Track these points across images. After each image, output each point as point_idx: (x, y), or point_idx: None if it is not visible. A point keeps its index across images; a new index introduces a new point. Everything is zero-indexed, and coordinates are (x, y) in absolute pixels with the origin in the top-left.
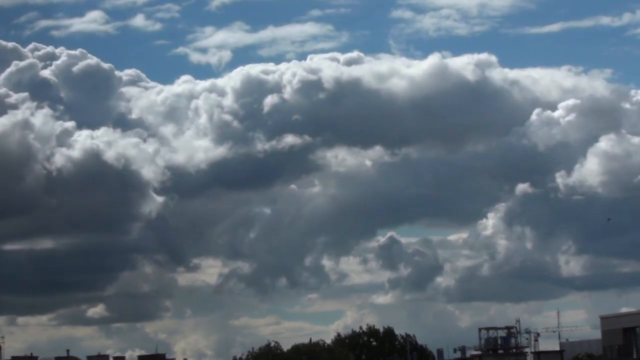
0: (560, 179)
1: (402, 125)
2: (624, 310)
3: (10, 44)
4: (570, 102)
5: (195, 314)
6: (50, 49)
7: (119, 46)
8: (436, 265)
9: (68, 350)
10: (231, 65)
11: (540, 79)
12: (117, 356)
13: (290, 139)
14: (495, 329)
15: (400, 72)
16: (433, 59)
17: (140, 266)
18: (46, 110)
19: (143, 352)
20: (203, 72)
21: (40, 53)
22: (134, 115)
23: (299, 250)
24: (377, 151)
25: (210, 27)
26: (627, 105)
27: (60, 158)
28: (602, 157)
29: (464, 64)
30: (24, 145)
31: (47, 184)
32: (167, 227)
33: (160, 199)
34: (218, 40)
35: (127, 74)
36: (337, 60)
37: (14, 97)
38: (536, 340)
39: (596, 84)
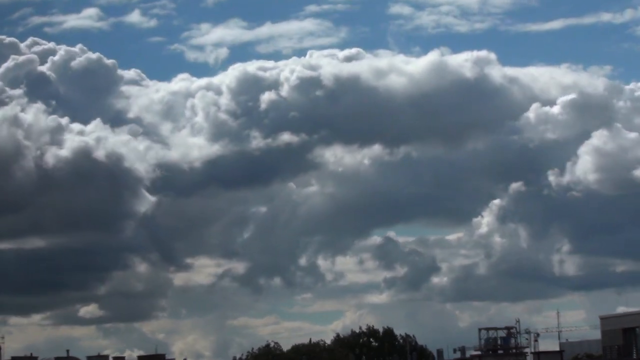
0: (556, 176)
1: (400, 123)
2: (620, 309)
3: (8, 39)
4: (565, 98)
5: (192, 314)
6: (51, 44)
7: (114, 43)
8: (434, 264)
9: (68, 351)
10: (228, 63)
11: (539, 77)
12: (117, 356)
13: (287, 137)
14: (495, 329)
15: (398, 70)
16: (431, 57)
17: (135, 266)
18: (39, 106)
19: (141, 353)
20: (199, 69)
21: (38, 48)
22: (129, 113)
23: (295, 249)
24: (375, 149)
25: (207, 24)
26: (621, 102)
27: (53, 155)
28: (594, 154)
29: (462, 62)
30: (15, 142)
31: (39, 181)
32: (162, 226)
33: (156, 198)
34: (215, 37)
35: (124, 71)
36: (336, 57)
37: (8, 93)
38: (536, 340)
39: (594, 81)
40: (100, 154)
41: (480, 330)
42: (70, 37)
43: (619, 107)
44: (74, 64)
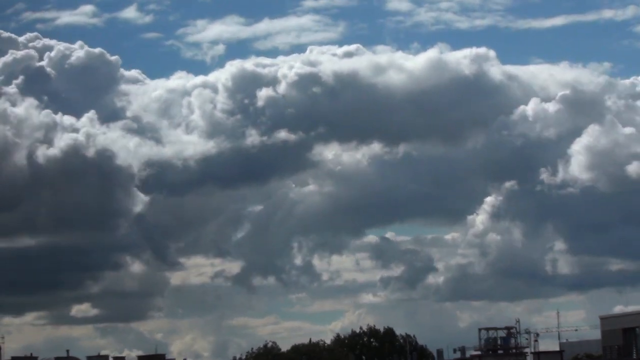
0: (553, 174)
1: (399, 120)
2: (618, 308)
3: (5, 34)
4: (559, 95)
5: (190, 313)
6: (53, 41)
7: (108, 39)
8: (432, 263)
9: (68, 351)
10: (225, 60)
11: (538, 74)
12: (117, 356)
13: (285, 135)
14: (495, 329)
15: (397, 67)
16: (429, 54)
17: (131, 265)
18: (32, 101)
19: (139, 353)
20: (196, 66)
21: (36, 44)
22: (123, 110)
23: (292, 248)
24: (373, 147)
25: (204, 20)
26: (615, 98)
27: (46, 153)
28: (591, 151)
29: (461, 59)
30: (5, 138)
31: (32, 178)
32: (158, 225)
33: (152, 196)
34: (211, 33)
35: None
36: (334, 54)
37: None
38: (536, 340)
39: (591, 78)
40: (95, 151)
41: (480, 330)
42: (64, 33)
43: (613, 103)
44: (71, 60)
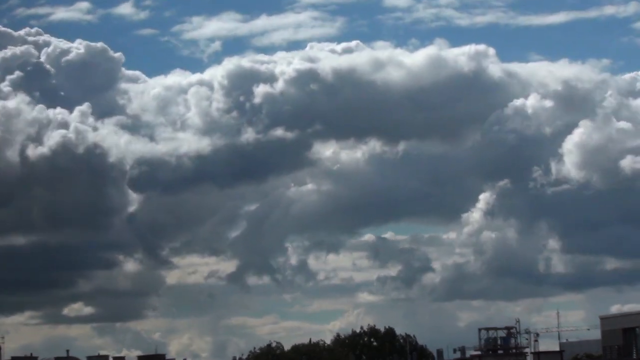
0: (552, 172)
1: (396, 118)
2: (615, 308)
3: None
4: (551, 91)
5: (188, 313)
6: (46, 36)
7: (104, 36)
8: (429, 263)
9: (68, 351)
10: (222, 56)
11: (537, 71)
12: (117, 356)
13: (282, 132)
14: (495, 329)
15: (395, 63)
16: (428, 51)
17: (128, 264)
18: (24, 97)
19: (138, 353)
20: (193, 63)
21: (34, 39)
22: (119, 107)
23: (289, 248)
24: (371, 145)
25: (200, 17)
26: (612, 94)
27: (40, 149)
28: (583, 148)
29: (460, 56)
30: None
31: (28, 174)
32: (154, 223)
33: (149, 194)
34: (208, 30)
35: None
36: (332, 51)
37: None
38: (536, 340)
39: (589, 75)
40: (88, 149)
41: (480, 330)
42: (59, 29)
43: (609, 99)
44: (69, 55)
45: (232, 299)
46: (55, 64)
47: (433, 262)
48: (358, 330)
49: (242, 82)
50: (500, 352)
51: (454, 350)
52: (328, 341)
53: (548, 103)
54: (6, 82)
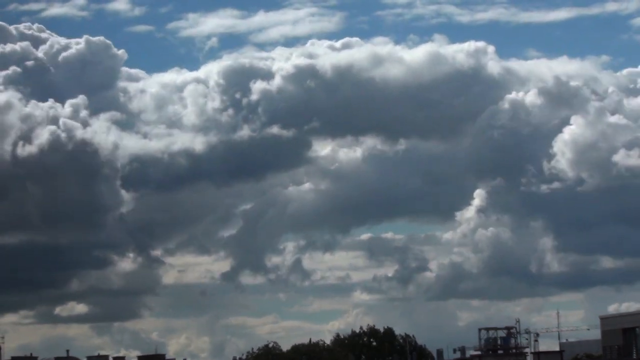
0: (550, 171)
1: (395, 116)
2: (612, 308)
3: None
4: (542, 87)
5: (186, 313)
6: (45, 33)
7: (98, 32)
8: (426, 262)
9: (68, 351)
10: (219, 53)
11: (535, 68)
12: (117, 356)
13: (279, 130)
14: (495, 329)
15: (394, 60)
16: (427, 47)
17: (125, 263)
18: (15, 93)
19: (137, 352)
20: (189, 59)
21: (28, 34)
22: (115, 104)
23: (286, 246)
24: (368, 143)
25: (197, 13)
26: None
27: (33, 146)
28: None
29: (459, 53)
30: None
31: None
32: (151, 222)
33: (146, 192)
34: (205, 26)
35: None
36: (330, 47)
37: None
38: (536, 340)
39: (590, 71)
40: (80, 146)
41: (480, 330)
42: (52, 25)
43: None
44: (68, 51)
45: (229, 298)
46: (54, 60)
47: (430, 262)
48: (357, 330)
49: (239, 79)
50: (500, 352)
51: (454, 350)
52: (327, 341)
53: (544, 99)
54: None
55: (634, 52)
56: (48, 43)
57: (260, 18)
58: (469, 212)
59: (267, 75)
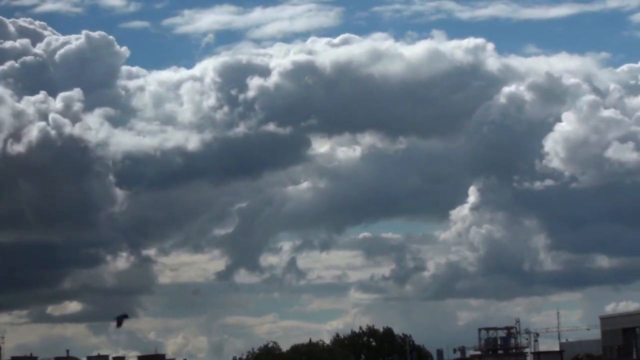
0: (550, 170)
1: (392, 113)
2: (610, 307)
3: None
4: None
5: (185, 313)
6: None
7: (93, 28)
8: (424, 262)
9: (68, 351)
10: (215, 50)
11: (534, 65)
12: (117, 356)
13: (277, 127)
14: (495, 329)
15: (392, 57)
16: (425, 44)
17: (121, 262)
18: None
19: (135, 352)
20: (185, 56)
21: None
22: (111, 101)
23: (283, 245)
24: (367, 140)
25: (193, 9)
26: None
27: (24, 143)
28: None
29: (457, 50)
30: None
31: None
32: (148, 220)
33: (142, 190)
34: (202, 22)
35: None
36: (328, 44)
37: None
38: (536, 340)
39: (589, 68)
40: (72, 143)
41: (480, 330)
42: (45, 21)
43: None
44: (67, 47)
45: (226, 298)
46: (52, 56)
47: (428, 261)
48: (356, 330)
49: (235, 76)
50: (500, 352)
51: (454, 350)
52: (326, 340)
53: (538, 96)
54: None
55: (634, 49)
56: (46, 40)
57: (258, 14)
58: (465, 210)
59: (264, 72)
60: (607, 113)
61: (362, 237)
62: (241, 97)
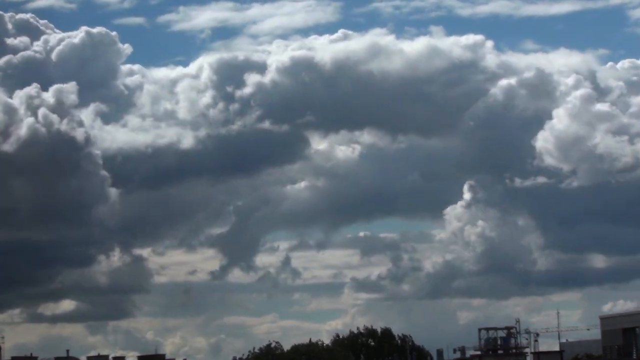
0: (550, 170)
1: (391, 110)
2: (607, 307)
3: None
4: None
5: (184, 312)
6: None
7: (88, 24)
8: (422, 262)
9: (68, 351)
10: (213, 46)
11: (533, 62)
12: (117, 356)
13: (273, 124)
14: (495, 329)
15: (390, 54)
16: (423, 41)
17: (118, 261)
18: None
19: (134, 352)
20: (183, 53)
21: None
22: (108, 99)
23: (280, 244)
24: (366, 138)
25: (190, 5)
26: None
27: (22, 140)
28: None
29: (455, 47)
30: None
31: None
32: (144, 219)
33: (137, 188)
34: (199, 19)
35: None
36: (326, 40)
37: None
38: (536, 340)
39: (587, 66)
40: (80, 142)
41: (480, 330)
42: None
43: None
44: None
45: (222, 297)
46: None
47: (425, 260)
48: (354, 330)
49: (232, 72)
50: (500, 352)
51: (454, 350)
52: (325, 340)
53: (532, 92)
54: None
55: (634, 46)
56: (44, 36)
57: (255, 10)
58: (466, 211)
59: (261, 68)
60: (602, 109)
61: (359, 235)
62: (237, 93)
